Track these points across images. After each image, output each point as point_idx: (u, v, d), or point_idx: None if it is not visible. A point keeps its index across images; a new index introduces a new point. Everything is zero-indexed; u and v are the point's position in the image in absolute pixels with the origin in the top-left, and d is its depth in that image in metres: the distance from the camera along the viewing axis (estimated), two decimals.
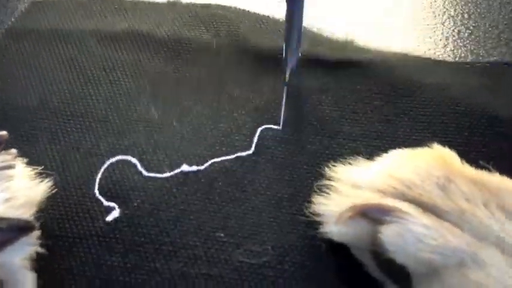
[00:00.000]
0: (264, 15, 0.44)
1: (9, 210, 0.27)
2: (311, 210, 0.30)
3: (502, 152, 0.34)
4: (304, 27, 0.36)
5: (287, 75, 0.36)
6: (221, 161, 0.34)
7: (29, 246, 0.28)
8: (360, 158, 0.31)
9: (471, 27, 0.44)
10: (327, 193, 0.30)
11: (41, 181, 0.31)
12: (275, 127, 0.36)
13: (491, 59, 0.42)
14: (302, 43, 0.37)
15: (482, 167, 0.29)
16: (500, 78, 0.39)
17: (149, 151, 0.35)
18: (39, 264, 0.29)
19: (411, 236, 0.26)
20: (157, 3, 0.46)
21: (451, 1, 0.47)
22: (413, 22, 0.45)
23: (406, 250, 0.26)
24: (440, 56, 0.42)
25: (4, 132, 0.29)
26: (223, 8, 0.45)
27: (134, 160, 0.34)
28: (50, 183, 0.31)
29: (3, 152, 0.29)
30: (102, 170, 0.33)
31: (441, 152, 0.30)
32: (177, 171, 0.34)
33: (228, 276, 0.30)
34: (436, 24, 0.45)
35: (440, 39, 0.44)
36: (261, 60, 0.41)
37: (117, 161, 0.34)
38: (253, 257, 0.30)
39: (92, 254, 0.31)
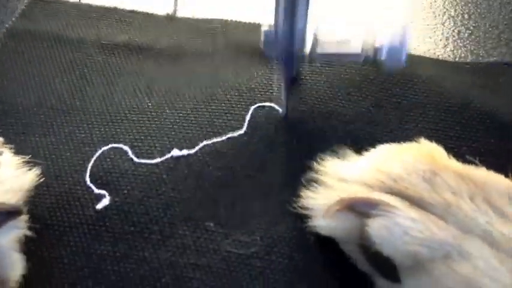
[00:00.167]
0: (259, 24, 0.43)
1: None
2: (299, 204, 0.30)
3: (491, 147, 0.34)
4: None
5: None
6: (212, 143, 0.34)
7: (17, 229, 0.27)
8: (349, 144, 0.31)
9: (471, 28, 0.44)
10: (315, 187, 0.30)
11: (29, 169, 0.30)
12: (268, 104, 0.36)
13: (491, 59, 0.41)
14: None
15: (469, 162, 0.29)
16: (495, 77, 0.39)
17: (141, 138, 0.35)
18: (29, 251, 0.29)
19: (398, 229, 0.26)
20: (157, 16, 0.45)
21: (451, 1, 0.46)
22: (413, 22, 0.45)
23: (393, 243, 0.26)
24: (440, 56, 0.42)
25: None
26: (221, 21, 0.44)
27: (125, 147, 0.33)
28: (38, 172, 0.31)
29: None
30: (94, 158, 0.33)
31: (428, 147, 0.29)
32: (167, 156, 0.33)
33: (216, 266, 0.29)
34: (436, 24, 0.44)
35: (440, 39, 0.43)
36: (256, 56, 0.40)
37: (109, 149, 0.34)
38: (242, 248, 0.30)
39: (82, 243, 0.30)
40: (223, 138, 0.34)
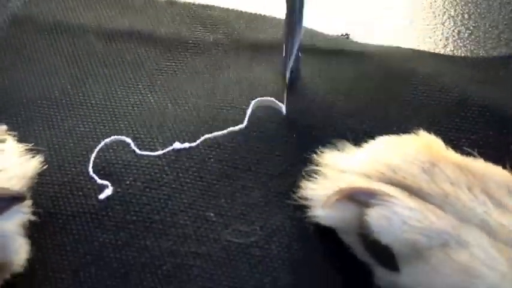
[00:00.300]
0: (260, 15, 0.44)
1: (1, 181, 0.27)
2: (299, 195, 0.30)
3: (490, 140, 0.34)
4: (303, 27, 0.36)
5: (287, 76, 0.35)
6: (213, 137, 0.34)
7: (21, 214, 0.27)
8: (349, 139, 0.31)
9: (471, 28, 0.44)
10: (315, 178, 0.30)
11: (32, 157, 0.30)
12: (269, 99, 0.36)
13: None
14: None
15: (468, 154, 0.29)
16: (495, 70, 0.39)
17: (143, 131, 0.35)
18: (33, 239, 0.29)
19: (396, 218, 0.26)
20: (157, 2, 0.45)
21: (451, 1, 0.46)
22: (413, 22, 0.45)
23: (391, 232, 0.26)
24: None
25: None
26: (221, 9, 0.44)
27: (128, 140, 0.33)
28: (41, 160, 0.31)
29: None
30: (96, 149, 0.33)
31: (427, 138, 0.29)
32: (169, 148, 0.33)
33: (216, 255, 0.29)
34: (436, 24, 0.44)
35: (440, 39, 0.43)
36: (257, 51, 0.41)
37: (112, 141, 0.34)
38: (241, 237, 0.30)
39: (84, 231, 0.30)
40: (224, 132, 0.34)
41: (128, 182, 0.32)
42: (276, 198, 0.31)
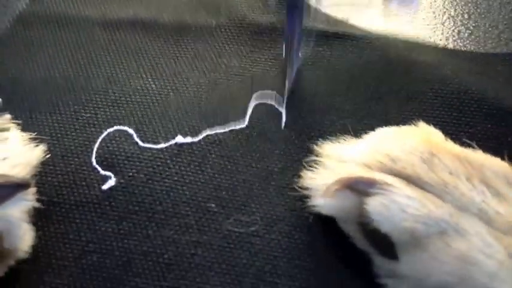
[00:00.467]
0: None
1: (6, 169, 0.27)
2: (300, 185, 0.30)
3: (488, 132, 0.34)
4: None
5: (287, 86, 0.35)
6: (215, 133, 0.34)
7: (26, 201, 0.28)
8: (348, 135, 0.31)
9: (471, 28, 0.43)
10: (315, 168, 0.30)
11: (36, 146, 0.31)
12: (270, 92, 0.36)
13: None
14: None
15: (467, 145, 0.29)
16: (494, 64, 0.39)
17: (145, 122, 0.35)
18: (36, 227, 0.29)
19: (395, 206, 0.26)
20: None
21: (451, 1, 0.46)
22: (413, 22, 0.45)
23: (390, 220, 0.26)
24: None
25: None
26: None
27: (131, 131, 0.34)
28: (44, 148, 0.31)
29: None
30: (99, 140, 0.33)
31: (426, 129, 0.30)
32: (171, 142, 0.33)
33: (217, 244, 0.29)
34: (435, 24, 0.44)
35: (440, 39, 0.43)
36: (259, 35, 0.41)
37: (114, 131, 0.34)
38: (242, 227, 0.30)
39: (87, 220, 0.30)
40: (226, 129, 0.34)
41: (130, 174, 0.32)
42: (276, 190, 0.31)
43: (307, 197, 0.30)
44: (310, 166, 0.30)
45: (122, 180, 0.32)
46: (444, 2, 0.46)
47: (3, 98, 0.35)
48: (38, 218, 0.29)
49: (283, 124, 0.34)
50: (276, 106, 0.35)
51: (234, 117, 0.35)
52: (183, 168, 0.32)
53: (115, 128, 0.33)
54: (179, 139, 0.33)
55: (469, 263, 0.24)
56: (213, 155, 0.33)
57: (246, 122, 0.34)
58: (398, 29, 0.43)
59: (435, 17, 0.45)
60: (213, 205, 0.31)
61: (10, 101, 0.36)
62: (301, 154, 0.32)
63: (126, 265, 0.29)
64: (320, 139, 0.31)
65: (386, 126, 0.31)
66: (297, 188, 0.30)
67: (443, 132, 0.30)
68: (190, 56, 0.39)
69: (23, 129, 0.31)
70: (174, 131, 0.34)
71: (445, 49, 0.41)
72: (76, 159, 0.33)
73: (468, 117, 0.34)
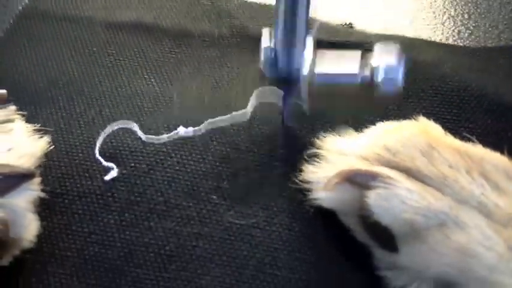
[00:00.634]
0: (262, 4, 0.44)
1: (11, 159, 0.27)
2: (300, 178, 0.30)
3: (488, 128, 0.34)
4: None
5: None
6: (216, 121, 0.34)
7: (31, 191, 0.28)
8: (348, 128, 0.31)
9: (471, 28, 0.43)
10: (316, 162, 0.30)
11: (40, 137, 0.31)
12: (272, 88, 0.35)
13: None
14: None
15: (467, 140, 0.29)
16: (495, 59, 0.39)
17: (149, 118, 0.35)
18: (39, 218, 0.29)
19: (396, 199, 0.26)
20: None
21: (451, 1, 0.46)
22: (413, 22, 0.45)
23: (391, 212, 0.26)
24: None
25: (4, 91, 0.29)
26: (226, 0, 0.44)
27: (134, 125, 0.34)
28: (48, 140, 0.31)
29: (3, 108, 0.30)
30: (103, 134, 0.33)
31: (426, 124, 0.29)
32: (173, 133, 0.33)
33: (218, 236, 0.29)
34: (436, 24, 0.44)
35: (440, 39, 0.42)
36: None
37: (117, 127, 0.34)
38: (243, 218, 0.30)
39: (89, 211, 0.30)
40: (228, 116, 0.34)
41: (132, 165, 0.32)
42: (277, 181, 0.31)
43: (308, 190, 0.30)
44: (311, 159, 0.30)
45: (124, 171, 0.32)
46: (444, 2, 0.46)
47: (8, 94, 0.35)
48: (41, 208, 0.29)
49: (284, 119, 0.34)
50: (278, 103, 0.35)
51: (236, 110, 0.35)
52: (184, 157, 0.32)
53: (118, 123, 0.33)
54: (181, 129, 0.33)
55: (469, 255, 0.24)
56: (215, 142, 0.33)
57: (248, 108, 0.34)
58: (399, 29, 0.43)
59: (435, 17, 0.45)
60: (214, 197, 0.31)
61: (14, 97, 0.36)
62: (303, 140, 0.32)
63: (128, 256, 0.29)
64: (321, 132, 0.31)
65: (386, 116, 0.31)
66: (297, 181, 0.30)
67: (443, 128, 0.29)
68: (193, 60, 0.39)
69: (28, 121, 0.31)
70: (177, 124, 0.34)
71: (444, 45, 0.41)
72: (79, 153, 0.33)
73: (468, 113, 0.34)
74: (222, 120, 0.32)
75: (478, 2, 0.46)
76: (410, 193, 0.26)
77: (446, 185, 0.26)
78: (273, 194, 0.31)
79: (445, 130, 0.29)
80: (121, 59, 0.39)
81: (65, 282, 0.28)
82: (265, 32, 0.33)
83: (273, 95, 0.35)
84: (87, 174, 0.32)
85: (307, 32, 0.31)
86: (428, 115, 0.31)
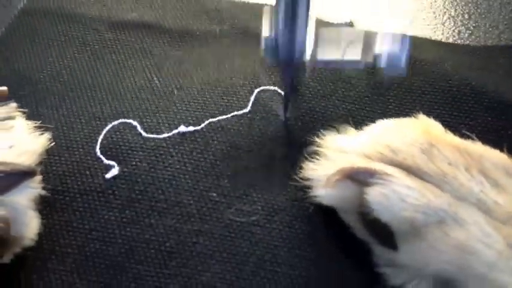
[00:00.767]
0: (265, 5, 0.44)
1: (12, 157, 0.27)
2: (301, 175, 0.30)
3: (488, 125, 0.33)
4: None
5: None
6: (217, 120, 0.34)
7: (32, 189, 0.28)
8: (348, 125, 0.31)
9: (471, 28, 0.43)
10: (316, 159, 0.30)
11: (41, 134, 0.31)
12: (272, 88, 0.36)
13: None
14: None
15: (466, 137, 0.29)
16: (495, 58, 0.38)
17: (149, 115, 0.35)
18: (40, 215, 0.29)
19: (395, 196, 0.26)
20: None
21: (451, 1, 0.46)
22: (413, 22, 0.45)
23: (390, 210, 0.26)
24: None
25: (4, 88, 0.29)
26: (227, 1, 0.44)
27: (135, 123, 0.34)
28: (49, 137, 0.31)
29: (4, 105, 0.29)
30: (104, 131, 0.33)
31: (426, 121, 0.29)
32: (174, 131, 0.33)
33: (218, 233, 0.29)
34: (436, 24, 0.44)
35: (441, 39, 0.42)
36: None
37: (119, 124, 0.34)
38: (243, 216, 0.30)
39: (90, 208, 0.30)
40: (228, 116, 0.34)
41: (133, 163, 0.32)
42: (277, 179, 0.31)
43: (308, 187, 0.29)
44: (311, 157, 0.30)
45: (125, 169, 0.32)
46: (444, 2, 0.46)
47: (9, 92, 0.35)
48: (42, 206, 0.29)
49: (284, 117, 0.34)
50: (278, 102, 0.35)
51: (237, 108, 0.35)
52: (185, 155, 0.32)
53: (119, 120, 0.33)
54: (182, 128, 0.33)
55: (468, 252, 0.24)
56: (215, 141, 0.33)
57: (249, 108, 0.34)
58: (399, 29, 0.43)
59: (435, 17, 0.45)
60: (215, 194, 0.31)
61: (16, 93, 0.36)
62: (303, 139, 0.32)
63: (129, 253, 0.29)
64: (321, 130, 0.31)
65: (387, 114, 0.30)
66: (298, 178, 0.30)
67: (443, 126, 0.29)
68: (194, 57, 0.39)
69: (29, 118, 0.31)
70: (177, 124, 0.34)
71: (445, 44, 0.41)
72: (81, 150, 0.33)
73: (468, 111, 0.34)
74: (222, 119, 0.33)
75: (478, 2, 0.45)
76: (410, 190, 0.26)
77: (446, 182, 0.26)
78: (273, 191, 0.31)
79: (445, 128, 0.29)
80: (122, 57, 0.39)
81: (65, 279, 0.28)
82: (266, 14, 0.32)
83: (273, 94, 0.35)
84: (88, 172, 0.32)
85: (308, 18, 0.30)
86: (429, 113, 0.31)
